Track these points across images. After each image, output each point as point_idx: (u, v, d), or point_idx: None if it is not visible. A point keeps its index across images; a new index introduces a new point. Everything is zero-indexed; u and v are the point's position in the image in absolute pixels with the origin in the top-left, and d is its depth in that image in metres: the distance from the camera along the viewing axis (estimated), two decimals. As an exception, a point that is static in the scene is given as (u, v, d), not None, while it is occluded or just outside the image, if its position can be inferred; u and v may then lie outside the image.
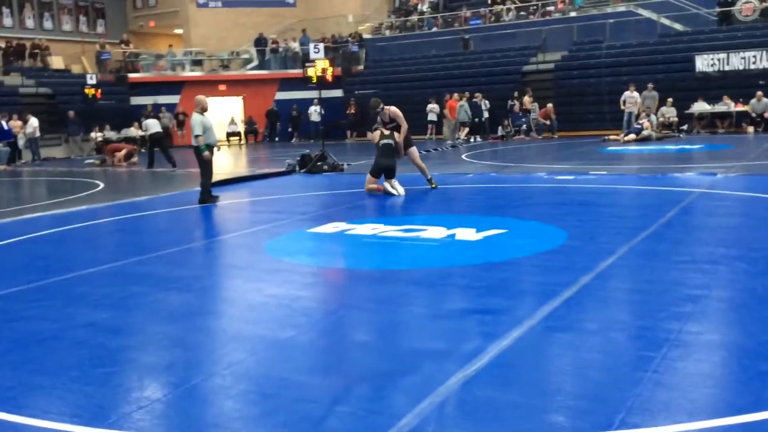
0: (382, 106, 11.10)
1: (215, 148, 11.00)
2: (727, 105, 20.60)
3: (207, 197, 10.83)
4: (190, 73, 29.84)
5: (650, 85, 21.16)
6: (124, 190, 13.94)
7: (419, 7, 31.97)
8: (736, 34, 22.22)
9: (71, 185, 14.74)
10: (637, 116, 20.59)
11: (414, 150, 11.29)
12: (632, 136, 19.23)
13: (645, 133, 19.27)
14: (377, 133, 11.06)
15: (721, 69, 21.17)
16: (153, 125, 18.23)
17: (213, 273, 6.58)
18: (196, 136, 10.57)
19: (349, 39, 29.94)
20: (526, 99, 23.08)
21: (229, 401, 3.42)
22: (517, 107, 23.37)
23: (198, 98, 10.94)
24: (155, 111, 25.76)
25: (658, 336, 3.97)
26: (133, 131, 24.33)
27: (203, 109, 10.76)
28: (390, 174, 10.80)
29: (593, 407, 3.13)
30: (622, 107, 21.17)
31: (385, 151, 10.87)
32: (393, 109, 11.15)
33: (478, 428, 2.98)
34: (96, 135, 23.46)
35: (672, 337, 3.94)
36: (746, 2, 23.17)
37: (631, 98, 21.03)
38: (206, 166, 10.79)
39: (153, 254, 7.08)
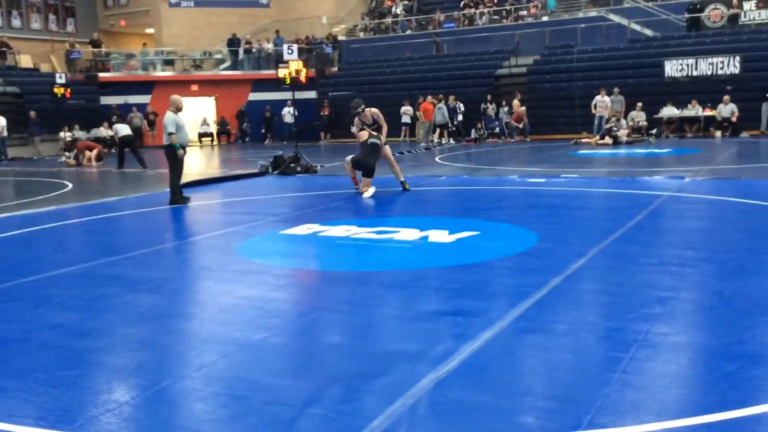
0: (363, 107, 11.20)
1: (182, 150, 10.85)
2: (696, 110, 20.95)
3: (177, 198, 10.73)
4: (161, 73, 29.55)
5: (616, 90, 21.53)
6: (93, 190, 13.75)
7: (393, 9, 32.04)
8: (705, 40, 22.64)
9: (39, 185, 14.50)
10: (608, 120, 20.91)
11: (388, 148, 11.45)
12: (609, 139, 19.50)
13: (619, 135, 19.54)
14: (365, 132, 11.15)
15: (690, 74, 21.53)
16: (122, 129, 18.09)
17: (184, 275, 6.52)
18: (170, 134, 10.47)
19: (325, 40, 29.89)
20: (516, 102, 23.14)
21: (200, 404, 3.39)
22: (490, 110, 23.53)
23: (173, 98, 10.89)
24: (123, 111, 25.48)
25: (626, 337, 4.02)
26: (103, 131, 24.03)
27: (178, 109, 10.69)
28: (369, 174, 10.87)
29: (563, 408, 3.16)
30: (593, 111, 21.51)
31: (372, 150, 11.05)
32: (374, 110, 11.41)
33: (450, 429, 2.99)
34: (65, 135, 23.12)
35: (640, 338, 4.00)
36: (714, 8, 23.60)
37: (602, 102, 21.37)
38: (177, 166, 10.69)
39: (123, 255, 7.00)
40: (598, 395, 3.25)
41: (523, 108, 23.10)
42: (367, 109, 11.28)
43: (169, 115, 10.56)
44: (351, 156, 11.32)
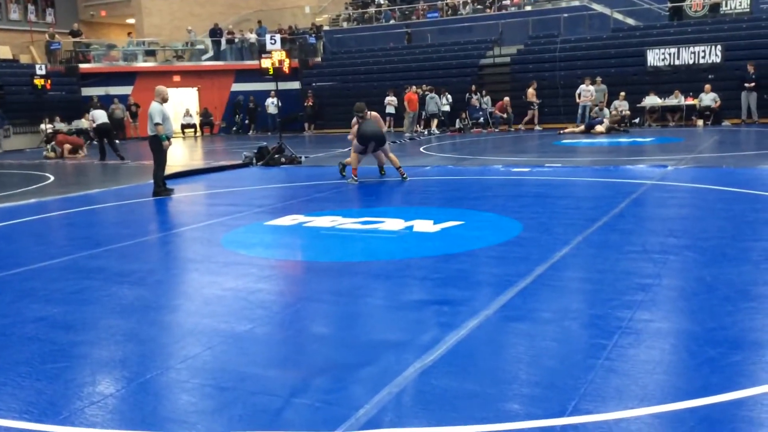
0: (366, 111, 11.43)
1: (168, 141, 10.79)
2: (678, 99, 21.09)
3: (161, 190, 10.66)
4: (143, 64, 29.27)
5: (599, 79, 21.64)
6: (75, 183, 13.63)
7: (377, -1, 31.90)
8: (687, 29, 22.76)
9: (20, 178, 14.35)
10: (591, 109, 21.02)
11: (387, 146, 11.65)
12: (599, 128, 19.59)
13: (599, 128, 19.64)
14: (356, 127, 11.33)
15: (672, 63, 21.65)
16: (100, 116, 17.85)
17: (168, 266, 6.48)
18: (156, 125, 10.40)
19: (308, 31, 29.73)
20: (531, 92, 22.31)
21: (185, 395, 3.38)
22: (474, 100, 23.55)
23: (159, 88, 10.81)
24: (104, 102, 25.26)
25: (610, 324, 4.06)
26: (84, 123, 23.79)
27: (163, 99, 10.63)
28: (381, 142, 11.22)
29: (547, 395, 3.19)
30: (578, 100, 21.59)
31: (369, 124, 11.23)
32: (375, 114, 11.74)
33: (435, 417, 3.01)
34: (46, 126, 22.88)
35: (623, 325, 4.03)
36: (696, -2, 23.73)
37: (587, 92, 21.44)
38: (161, 157, 10.62)
39: (105, 248, 6.95)
40: (582, 381, 3.28)
41: (507, 98, 23.13)
42: (370, 113, 11.51)
43: (155, 106, 10.48)
44: (355, 144, 11.33)
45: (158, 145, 10.53)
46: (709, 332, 3.90)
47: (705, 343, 3.75)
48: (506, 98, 23.16)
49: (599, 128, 19.69)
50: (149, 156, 10.93)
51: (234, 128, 28.60)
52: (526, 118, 22.68)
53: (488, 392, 3.24)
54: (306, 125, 26.78)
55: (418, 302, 4.79)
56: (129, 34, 31.25)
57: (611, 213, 7.53)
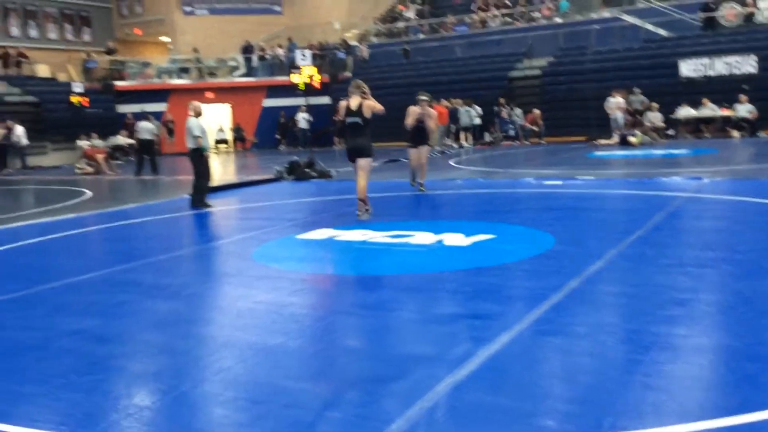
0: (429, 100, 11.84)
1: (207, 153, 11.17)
2: (713, 109, 20.78)
3: (200, 201, 10.90)
4: (176, 81, 29.76)
5: (636, 90, 21.43)
6: (111, 198, 13.87)
7: (405, 14, 32.09)
8: (720, 39, 22.46)
9: (58, 194, 14.64)
10: (624, 121, 20.81)
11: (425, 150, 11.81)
12: (632, 139, 19.42)
13: (633, 139, 19.45)
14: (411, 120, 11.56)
15: (706, 74, 21.36)
16: (144, 131, 18.06)
17: (201, 280, 6.54)
18: (196, 137, 10.71)
19: (338, 46, 29.97)
20: (620, 99, 21.21)
21: (219, 408, 3.40)
22: (504, 113, 23.48)
23: (193, 103, 11.21)
24: (136, 119, 25.74)
25: (646, 339, 3.99)
26: (120, 139, 24.23)
27: (198, 114, 11.02)
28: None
29: (582, 411, 3.14)
30: (609, 112, 21.36)
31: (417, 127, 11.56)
32: (433, 111, 12.38)
33: (469, 432, 2.98)
34: (83, 143, 23.35)
35: (660, 340, 3.96)
36: (730, 8, 23.41)
37: (617, 103, 21.23)
38: (205, 168, 10.92)
39: (141, 262, 7.05)
40: (618, 398, 3.22)
41: (538, 111, 23.03)
42: (433, 106, 11.99)
43: (192, 120, 10.88)
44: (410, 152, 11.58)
45: (199, 158, 10.83)
46: (748, 347, 3.81)
47: (743, 358, 3.66)
48: (536, 111, 23.05)
49: (632, 140, 19.48)
50: (185, 171, 11.15)
51: (278, 145, 28.72)
52: (533, 132, 22.53)
53: (522, 407, 3.20)
54: (336, 139, 26.90)
55: (449, 316, 4.76)
56: (167, 48, 31.74)
57: (646, 226, 7.43)
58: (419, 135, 11.54)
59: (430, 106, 11.98)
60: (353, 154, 9.06)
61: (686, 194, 9.59)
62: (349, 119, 8.96)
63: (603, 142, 20.13)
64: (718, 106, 20.73)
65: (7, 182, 19.08)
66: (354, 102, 8.93)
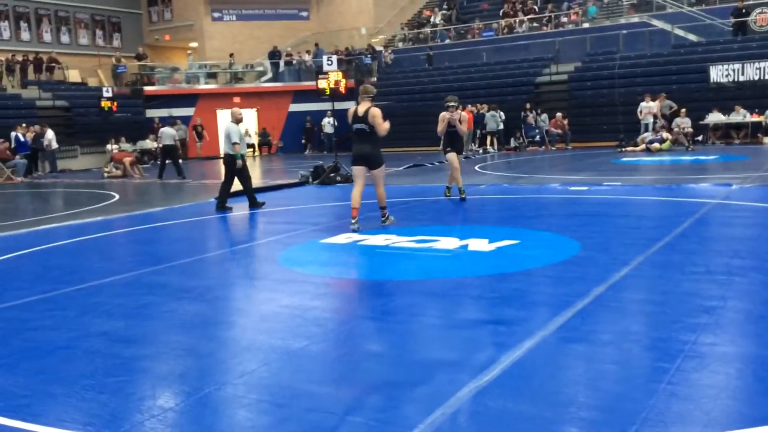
0: (456, 105, 11.40)
1: (241, 160, 11.39)
2: (743, 115, 20.48)
3: (223, 204, 11.14)
4: (204, 86, 30.08)
5: (663, 95, 21.18)
6: (138, 201, 14.04)
7: (432, 19, 32.10)
8: (751, 45, 22.14)
9: (87, 197, 14.86)
10: (654, 126, 20.57)
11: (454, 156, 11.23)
12: (656, 145, 19.22)
13: (659, 146, 19.23)
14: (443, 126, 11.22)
15: (736, 79, 21.07)
16: (167, 136, 18.29)
17: (226, 283, 6.59)
18: (234, 144, 10.97)
19: (364, 51, 30.07)
20: (652, 104, 20.95)
21: (242, 410, 3.42)
22: (530, 118, 23.36)
23: (234, 110, 11.69)
24: (163, 123, 26.07)
25: (672, 347, 3.94)
26: (149, 143, 24.53)
27: (238, 120, 11.41)
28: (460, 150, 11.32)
29: (607, 419, 3.11)
30: (640, 117, 21.10)
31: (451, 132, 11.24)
32: (464, 114, 12.22)
33: (491, 439, 2.96)
34: (112, 147, 23.72)
35: (687, 348, 3.91)
36: (761, 12, 23.07)
37: (647, 108, 20.98)
38: (237, 174, 11.22)
39: (167, 264, 7.12)
40: (643, 406, 3.18)
41: (559, 114, 22.89)
42: (461, 111, 11.59)
43: (232, 126, 11.27)
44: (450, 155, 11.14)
45: (232, 164, 11.07)
46: (778, 357, 3.75)
47: (773, 368, 3.60)
48: (558, 114, 22.89)
49: (659, 146, 19.26)
50: (211, 175, 11.32)
51: (304, 150, 28.86)
52: (559, 137, 22.29)
53: (545, 415, 3.18)
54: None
55: (472, 321, 4.74)
56: (189, 53, 32.10)
57: (673, 233, 7.34)
58: (452, 139, 11.29)
59: (460, 110, 11.89)
60: (358, 161, 8.98)
61: (715, 201, 9.46)
62: (356, 125, 8.85)
63: (629, 149, 19.92)
64: (748, 112, 20.42)
65: (38, 185, 19.42)
66: (362, 108, 8.80)
